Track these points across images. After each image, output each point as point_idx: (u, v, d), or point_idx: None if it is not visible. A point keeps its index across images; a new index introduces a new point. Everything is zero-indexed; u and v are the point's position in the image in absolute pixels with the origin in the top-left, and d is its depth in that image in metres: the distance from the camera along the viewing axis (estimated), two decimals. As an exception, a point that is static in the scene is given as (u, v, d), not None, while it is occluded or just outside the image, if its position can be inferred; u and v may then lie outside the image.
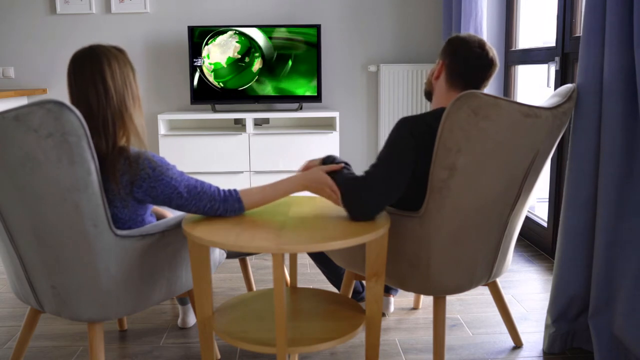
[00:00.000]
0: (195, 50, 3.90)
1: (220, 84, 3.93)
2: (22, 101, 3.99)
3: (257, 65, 3.94)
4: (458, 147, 1.69)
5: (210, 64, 3.91)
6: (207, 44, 3.90)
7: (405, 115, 4.11)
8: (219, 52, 3.90)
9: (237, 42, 3.89)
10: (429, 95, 2.01)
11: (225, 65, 3.92)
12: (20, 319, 2.48)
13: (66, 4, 4.08)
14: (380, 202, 1.74)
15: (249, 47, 3.91)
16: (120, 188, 1.70)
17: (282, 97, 3.98)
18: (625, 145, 1.84)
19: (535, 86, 3.65)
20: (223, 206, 1.76)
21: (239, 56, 3.92)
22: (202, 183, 1.76)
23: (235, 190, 1.78)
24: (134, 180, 1.69)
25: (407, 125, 1.79)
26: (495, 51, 1.91)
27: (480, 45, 1.88)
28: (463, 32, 1.93)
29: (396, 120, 4.12)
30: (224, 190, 1.78)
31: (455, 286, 1.90)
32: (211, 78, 3.93)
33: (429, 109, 2.01)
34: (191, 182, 1.75)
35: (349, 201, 1.74)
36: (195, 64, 3.90)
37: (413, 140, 1.77)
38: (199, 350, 2.19)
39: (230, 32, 3.89)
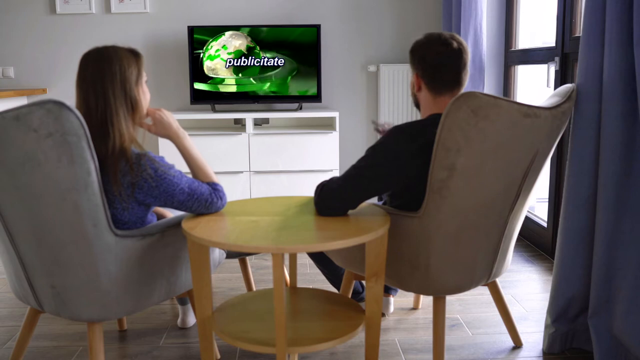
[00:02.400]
0: (195, 51, 3.90)
1: (240, 74, 3.92)
2: (22, 101, 3.99)
3: (257, 64, 3.94)
4: (457, 147, 1.69)
5: (229, 53, 3.90)
6: (207, 44, 3.90)
7: (404, 114, 4.12)
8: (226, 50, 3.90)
9: (244, 39, 3.89)
10: (419, 106, 2.00)
11: (246, 52, 3.91)
12: (20, 319, 2.48)
13: (66, 4, 4.07)
14: (342, 208, 1.83)
15: (249, 46, 3.91)
16: (121, 190, 1.70)
17: (282, 97, 3.98)
18: (625, 145, 1.83)
19: (535, 86, 3.65)
20: (220, 198, 1.84)
21: (240, 56, 3.92)
22: (195, 179, 1.82)
23: (215, 184, 1.86)
24: (135, 182, 1.69)
25: (395, 134, 1.80)
26: (458, 37, 1.88)
27: (442, 41, 1.85)
28: (421, 36, 1.91)
29: (396, 120, 4.12)
30: (212, 187, 1.84)
31: (455, 286, 1.90)
32: (228, 70, 3.93)
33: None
34: (189, 179, 1.79)
35: (315, 201, 1.85)
36: (197, 54, 3.90)
37: (399, 150, 1.78)
38: (198, 350, 2.19)
39: (230, 32, 3.89)
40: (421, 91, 1.92)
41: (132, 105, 1.77)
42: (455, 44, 1.84)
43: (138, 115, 1.79)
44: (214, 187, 1.84)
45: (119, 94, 1.73)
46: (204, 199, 1.79)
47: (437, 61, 1.85)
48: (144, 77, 1.82)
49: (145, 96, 1.83)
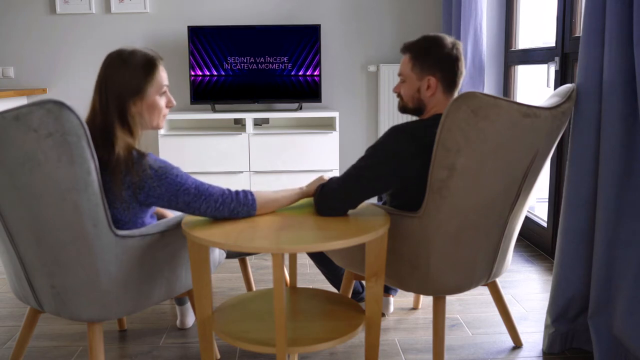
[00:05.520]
0: (195, 50, 3.90)
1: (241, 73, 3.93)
2: (22, 101, 3.99)
3: (257, 64, 3.94)
4: (457, 147, 1.69)
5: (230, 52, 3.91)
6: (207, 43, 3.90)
7: (404, 114, 4.11)
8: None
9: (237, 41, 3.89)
10: (411, 110, 1.98)
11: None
12: (20, 319, 2.48)
13: (66, 4, 4.08)
14: (342, 208, 1.83)
15: (250, 46, 3.91)
16: (123, 190, 1.70)
17: (282, 97, 3.98)
18: (625, 146, 1.84)
19: (535, 86, 3.65)
20: (236, 199, 1.75)
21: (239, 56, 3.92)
22: (210, 184, 1.77)
23: (247, 190, 1.80)
24: (136, 182, 1.69)
25: (395, 134, 1.81)
26: (453, 38, 1.93)
27: (445, 42, 1.89)
28: (420, 40, 1.92)
29: (396, 120, 4.12)
30: (234, 190, 1.78)
31: (455, 286, 1.90)
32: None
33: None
34: (198, 182, 1.75)
35: (315, 201, 1.84)
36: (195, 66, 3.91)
37: (399, 150, 1.78)
38: (198, 350, 2.19)
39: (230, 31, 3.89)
40: (435, 95, 1.90)
41: (125, 121, 1.75)
42: (455, 49, 1.90)
43: (134, 130, 1.76)
44: (240, 191, 1.77)
45: (113, 106, 1.74)
46: (213, 200, 1.73)
47: (454, 64, 1.89)
48: (156, 87, 1.78)
49: (152, 108, 1.79)
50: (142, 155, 1.71)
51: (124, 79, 1.74)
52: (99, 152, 1.70)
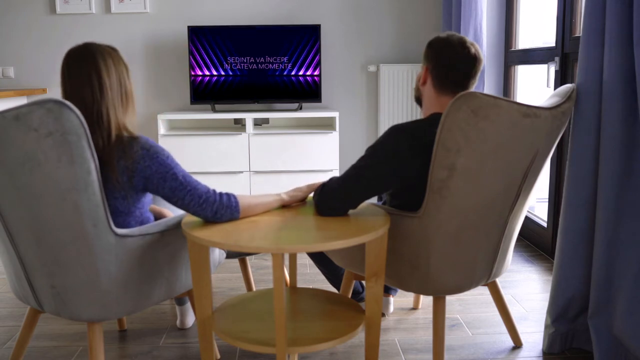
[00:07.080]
0: (195, 50, 3.90)
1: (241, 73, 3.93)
2: (22, 101, 3.99)
3: (257, 64, 3.94)
4: (457, 147, 1.69)
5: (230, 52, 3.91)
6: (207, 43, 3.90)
7: (404, 114, 4.12)
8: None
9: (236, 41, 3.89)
10: (419, 100, 2.00)
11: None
12: (20, 319, 2.48)
13: (66, 4, 4.08)
14: (343, 208, 1.83)
15: (250, 46, 3.91)
16: (119, 175, 1.71)
17: (282, 97, 3.98)
18: (625, 146, 1.84)
19: (535, 86, 3.66)
20: (219, 200, 1.75)
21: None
22: (198, 181, 1.79)
23: (230, 193, 1.81)
24: (129, 164, 1.70)
25: (395, 134, 1.80)
26: (477, 46, 1.90)
27: (461, 43, 1.86)
28: (443, 33, 1.93)
29: (396, 120, 4.12)
30: (218, 192, 1.79)
31: (455, 286, 1.90)
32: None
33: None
34: (187, 173, 1.78)
35: (315, 201, 1.85)
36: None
37: (399, 150, 1.78)
38: (198, 350, 2.19)
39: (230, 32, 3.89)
40: (426, 85, 1.92)
41: (127, 97, 1.81)
42: (473, 50, 1.86)
43: (132, 107, 1.83)
44: (224, 194, 1.77)
45: (115, 86, 1.76)
46: (197, 194, 1.73)
47: (451, 61, 1.86)
48: None
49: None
50: (133, 138, 1.73)
51: (119, 61, 1.79)
52: (94, 142, 1.70)
